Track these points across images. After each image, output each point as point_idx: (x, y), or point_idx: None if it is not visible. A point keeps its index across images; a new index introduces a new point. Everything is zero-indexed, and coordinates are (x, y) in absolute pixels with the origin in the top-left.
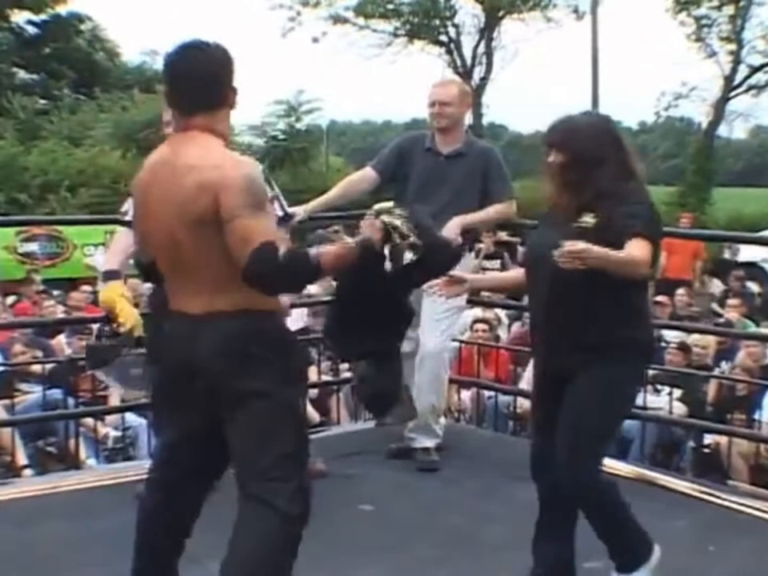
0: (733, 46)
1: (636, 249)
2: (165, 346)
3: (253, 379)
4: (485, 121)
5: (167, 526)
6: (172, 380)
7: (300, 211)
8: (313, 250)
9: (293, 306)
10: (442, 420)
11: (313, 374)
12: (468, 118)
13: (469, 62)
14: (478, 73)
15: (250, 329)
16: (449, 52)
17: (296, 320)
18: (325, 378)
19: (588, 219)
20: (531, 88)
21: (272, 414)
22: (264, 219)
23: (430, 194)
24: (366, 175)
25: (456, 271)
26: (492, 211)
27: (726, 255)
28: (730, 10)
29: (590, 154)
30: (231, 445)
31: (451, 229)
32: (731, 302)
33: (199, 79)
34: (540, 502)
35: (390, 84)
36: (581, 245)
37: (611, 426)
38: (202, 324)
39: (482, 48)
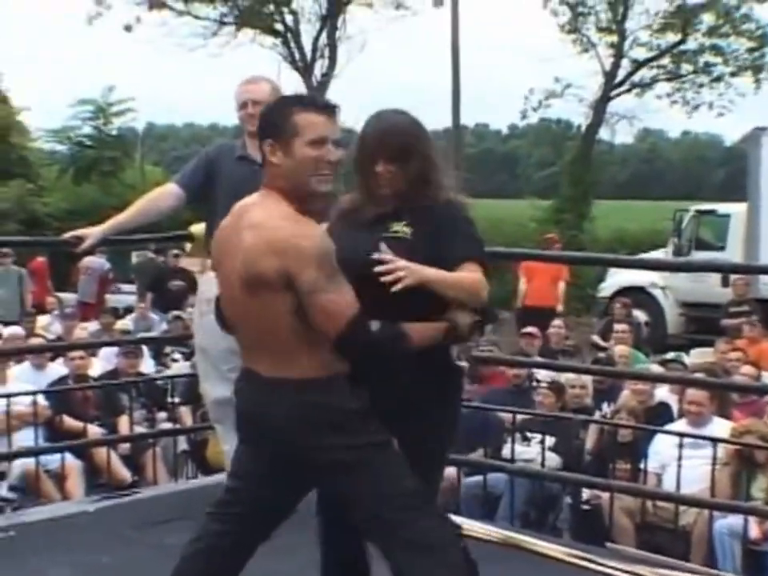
0: (613, 38)
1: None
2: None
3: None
4: None
5: None
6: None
7: (93, 233)
8: (402, 327)
9: (104, 344)
10: None
11: (124, 426)
12: None
13: (309, 55)
14: (319, 67)
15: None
16: (285, 43)
17: (106, 361)
18: (139, 429)
19: (403, 228)
20: (382, 85)
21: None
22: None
23: None
24: (169, 192)
25: None
26: None
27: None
28: None
29: (433, 158)
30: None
31: None
32: (618, 327)
33: None
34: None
35: (218, 82)
36: (408, 266)
37: None
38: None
39: (324, 39)
